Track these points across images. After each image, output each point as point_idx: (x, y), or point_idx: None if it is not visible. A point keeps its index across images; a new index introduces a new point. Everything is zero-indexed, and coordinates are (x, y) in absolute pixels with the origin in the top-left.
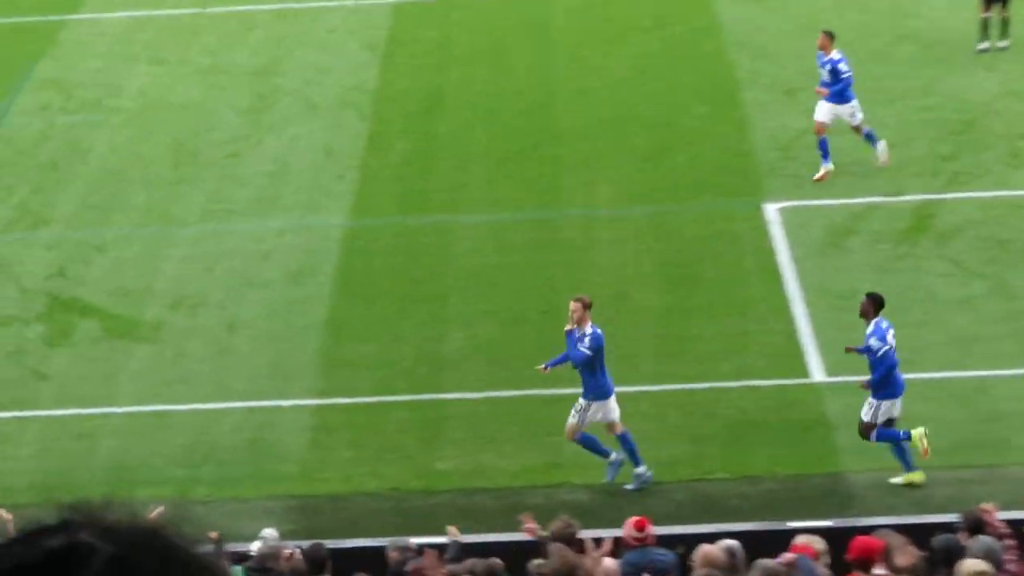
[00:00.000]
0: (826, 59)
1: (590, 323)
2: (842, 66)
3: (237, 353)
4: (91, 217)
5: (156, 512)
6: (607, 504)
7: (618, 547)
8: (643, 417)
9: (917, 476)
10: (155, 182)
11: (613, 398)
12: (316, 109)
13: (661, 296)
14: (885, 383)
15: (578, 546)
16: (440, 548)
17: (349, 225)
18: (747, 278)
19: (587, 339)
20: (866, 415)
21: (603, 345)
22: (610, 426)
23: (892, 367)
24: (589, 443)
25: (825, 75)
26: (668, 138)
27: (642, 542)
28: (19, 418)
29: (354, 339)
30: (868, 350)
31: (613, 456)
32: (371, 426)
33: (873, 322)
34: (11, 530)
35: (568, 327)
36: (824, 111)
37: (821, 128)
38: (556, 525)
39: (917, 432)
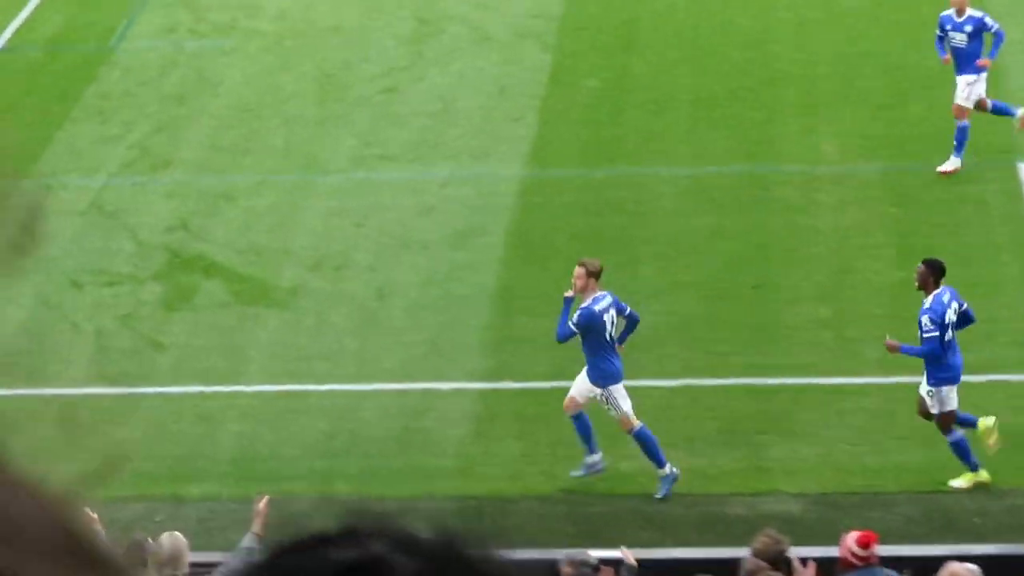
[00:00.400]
0: (961, 20)
1: (595, 295)
2: (989, 20)
3: (388, 325)
4: (220, 160)
5: (261, 503)
6: (822, 516)
7: (832, 566)
8: (869, 414)
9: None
10: (296, 120)
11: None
12: (489, 39)
13: (892, 270)
14: (939, 366)
15: (786, 567)
16: (616, 565)
17: (525, 176)
18: (997, 252)
19: (576, 313)
20: (935, 407)
21: (596, 324)
22: (571, 402)
23: (936, 350)
24: (649, 441)
25: (960, 40)
26: (905, 82)
27: (865, 561)
28: (129, 394)
29: (527, 312)
30: (920, 325)
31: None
32: (545, 416)
33: (932, 295)
34: (100, 532)
35: (568, 293)
36: (972, 88)
37: (982, 104)
38: (761, 541)
39: (985, 423)
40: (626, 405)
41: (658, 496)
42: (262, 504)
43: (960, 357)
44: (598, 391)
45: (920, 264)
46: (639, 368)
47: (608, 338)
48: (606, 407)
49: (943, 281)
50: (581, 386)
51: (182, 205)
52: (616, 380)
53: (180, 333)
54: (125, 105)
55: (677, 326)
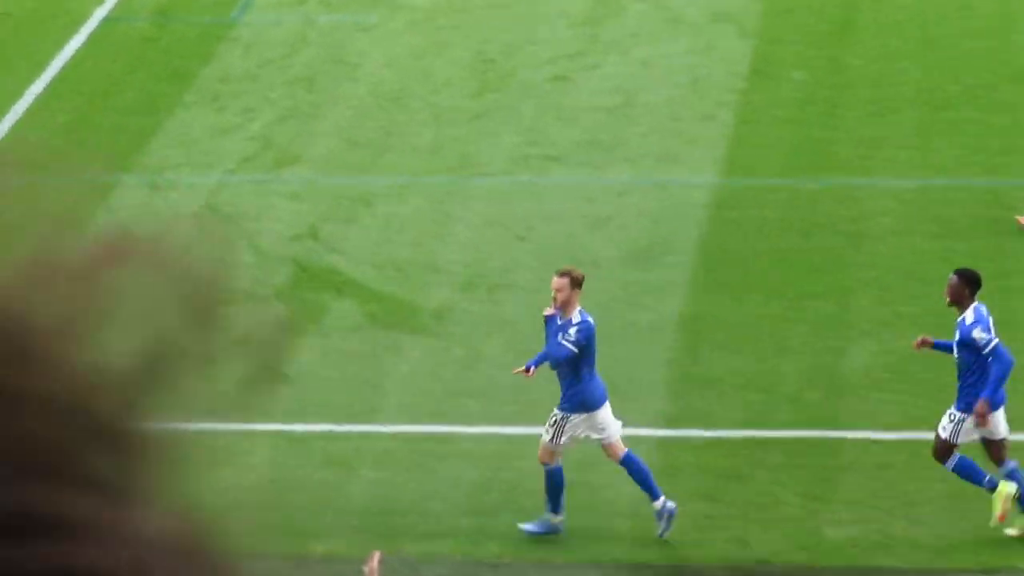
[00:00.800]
0: None
1: (579, 308)
2: None
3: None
4: (357, 158)
5: (374, 560)
6: None
7: None
8: None
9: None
10: (448, 113)
11: (606, 409)
12: (679, 21)
13: None
14: (976, 390)
15: None
16: None
17: (718, 185)
18: None
19: (573, 329)
20: (945, 430)
21: (593, 337)
22: (607, 449)
23: (1009, 365)
24: (557, 486)
25: None
26: None
27: None
28: (246, 431)
29: (718, 347)
30: (968, 344)
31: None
32: (734, 471)
33: (971, 308)
34: None
35: (548, 311)
36: None
37: None
38: None
39: (1006, 489)
40: (562, 441)
41: (524, 526)
42: (375, 561)
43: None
44: (558, 412)
45: (952, 275)
46: (849, 415)
47: (595, 358)
48: (547, 428)
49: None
50: (612, 426)
51: (311, 209)
52: (594, 407)
53: (306, 362)
54: (246, 89)
55: (896, 367)
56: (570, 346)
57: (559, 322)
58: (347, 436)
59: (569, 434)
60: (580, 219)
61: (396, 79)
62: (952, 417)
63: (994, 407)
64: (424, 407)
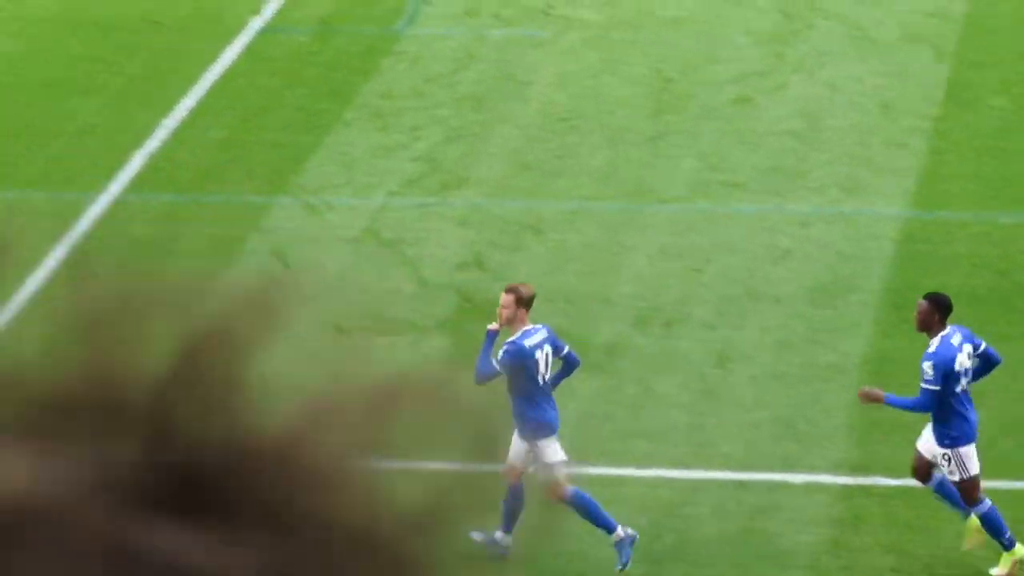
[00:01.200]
0: None
1: (525, 328)
2: None
3: (729, 398)
4: (526, 182)
5: None
6: None
7: None
8: None
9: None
10: (623, 135)
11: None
12: (870, 41)
13: None
14: (950, 423)
15: None
16: None
17: (909, 218)
18: None
19: (500, 350)
20: (955, 473)
21: (525, 363)
22: (510, 471)
23: (928, 406)
24: (585, 505)
25: None
26: None
27: None
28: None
29: (907, 389)
30: (921, 372)
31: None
32: (923, 523)
33: (939, 336)
34: None
35: (492, 326)
36: None
37: None
38: None
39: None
40: (556, 460)
41: (620, 567)
42: None
43: (975, 412)
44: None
45: (921, 300)
46: None
47: (540, 381)
48: (531, 467)
49: (951, 320)
50: (518, 446)
51: (477, 236)
52: (549, 433)
53: None
54: (411, 107)
55: None
56: (493, 364)
57: (495, 338)
58: None
59: (554, 459)
60: (760, 251)
61: (568, 98)
62: (946, 458)
63: (967, 441)
64: (592, 447)
